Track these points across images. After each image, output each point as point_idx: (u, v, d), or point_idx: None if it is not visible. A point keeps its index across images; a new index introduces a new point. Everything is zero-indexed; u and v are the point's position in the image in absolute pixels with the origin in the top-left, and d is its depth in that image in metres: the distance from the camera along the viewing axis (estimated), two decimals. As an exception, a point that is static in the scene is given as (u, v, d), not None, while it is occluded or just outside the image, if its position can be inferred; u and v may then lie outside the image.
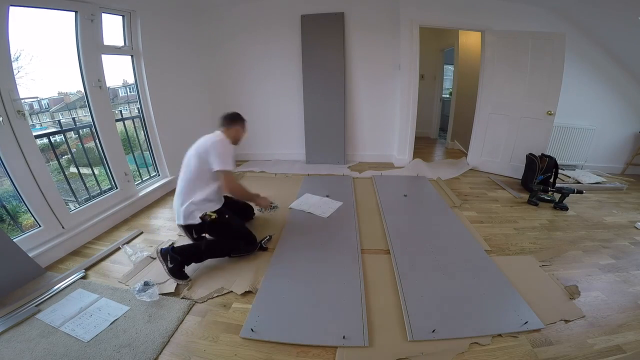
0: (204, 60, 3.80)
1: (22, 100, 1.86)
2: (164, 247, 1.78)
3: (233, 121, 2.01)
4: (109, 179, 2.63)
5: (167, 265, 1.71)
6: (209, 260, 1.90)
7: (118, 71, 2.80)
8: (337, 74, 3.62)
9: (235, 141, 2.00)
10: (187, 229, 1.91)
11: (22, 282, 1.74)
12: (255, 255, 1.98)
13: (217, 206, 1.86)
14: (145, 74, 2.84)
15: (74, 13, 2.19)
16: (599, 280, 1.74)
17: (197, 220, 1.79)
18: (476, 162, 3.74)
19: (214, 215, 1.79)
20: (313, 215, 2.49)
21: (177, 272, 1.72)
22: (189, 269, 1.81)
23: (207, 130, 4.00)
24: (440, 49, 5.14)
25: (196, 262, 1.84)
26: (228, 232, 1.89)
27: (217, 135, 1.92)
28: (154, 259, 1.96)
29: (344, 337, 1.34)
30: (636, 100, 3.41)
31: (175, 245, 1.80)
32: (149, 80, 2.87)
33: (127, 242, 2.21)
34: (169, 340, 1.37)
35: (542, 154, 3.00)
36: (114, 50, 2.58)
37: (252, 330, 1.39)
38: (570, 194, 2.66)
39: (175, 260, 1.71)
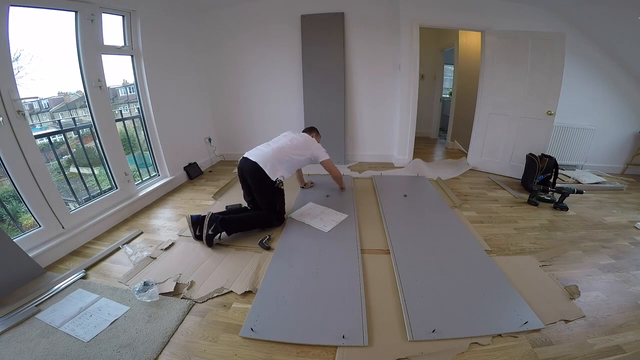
0: (204, 60, 3.81)
1: (22, 100, 1.86)
2: (214, 212, 2.07)
3: (313, 130, 2.82)
4: (109, 179, 2.63)
5: (206, 231, 1.97)
6: (209, 260, 1.93)
7: (118, 71, 2.80)
8: (337, 74, 3.63)
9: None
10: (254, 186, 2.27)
11: (22, 282, 1.74)
12: (256, 255, 1.98)
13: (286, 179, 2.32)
14: (145, 74, 2.84)
15: (74, 13, 2.19)
16: (599, 280, 1.74)
17: (274, 178, 2.18)
18: (476, 162, 3.74)
19: (282, 185, 2.28)
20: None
21: (211, 240, 2.02)
22: (188, 270, 1.81)
23: (207, 131, 4.01)
24: (440, 49, 5.14)
25: (229, 232, 2.12)
26: (279, 199, 2.31)
27: (311, 137, 2.65)
28: (154, 258, 1.97)
29: (343, 336, 1.34)
30: (636, 100, 3.40)
31: (223, 216, 2.08)
32: (149, 80, 2.88)
33: (127, 242, 2.20)
34: (169, 340, 1.37)
35: (542, 154, 3.00)
36: (114, 50, 2.58)
37: (251, 329, 1.39)
38: (570, 194, 2.66)
39: (217, 230, 2.01)
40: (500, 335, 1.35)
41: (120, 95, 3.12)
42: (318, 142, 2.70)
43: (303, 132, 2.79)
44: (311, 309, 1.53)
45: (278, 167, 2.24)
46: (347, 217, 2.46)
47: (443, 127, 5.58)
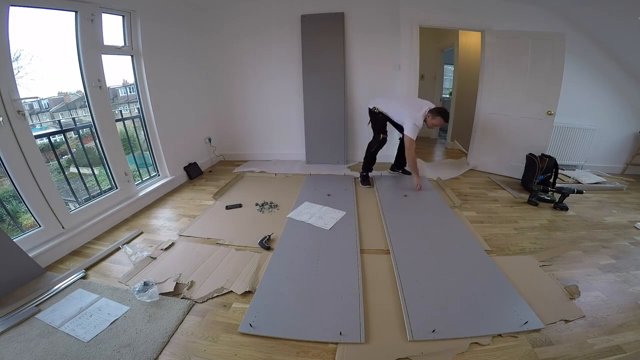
0: (204, 60, 3.81)
1: (22, 100, 1.86)
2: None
3: (435, 112, 2.76)
4: (109, 179, 2.63)
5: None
6: (209, 260, 1.94)
7: (118, 71, 2.80)
8: (337, 74, 3.62)
9: (430, 125, 2.84)
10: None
11: (22, 282, 1.74)
12: (256, 255, 1.98)
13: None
14: (145, 74, 2.84)
15: (74, 13, 2.19)
16: (599, 280, 1.74)
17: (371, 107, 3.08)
18: (476, 162, 3.74)
19: (376, 109, 3.04)
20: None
21: (364, 180, 3.17)
22: (188, 270, 1.82)
23: (207, 131, 4.01)
24: (440, 49, 5.14)
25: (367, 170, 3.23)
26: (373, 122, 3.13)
27: (419, 105, 2.84)
28: (154, 258, 1.97)
29: (340, 333, 1.35)
30: (636, 100, 3.40)
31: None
32: (149, 80, 2.88)
33: (127, 242, 2.20)
34: (169, 340, 1.37)
35: (542, 154, 3.00)
36: (114, 50, 2.58)
37: (250, 325, 1.40)
38: (570, 194, 2.66)
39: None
40: (500, 335, 1.35)
41: (120, 95, 3.12)
42: (427, 118, 2.76)
43: (431, 110, 2.79)
44: (309, 306, 1.53)
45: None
46: (346, 213, 2.48)
47: (443, 127, 5.57)
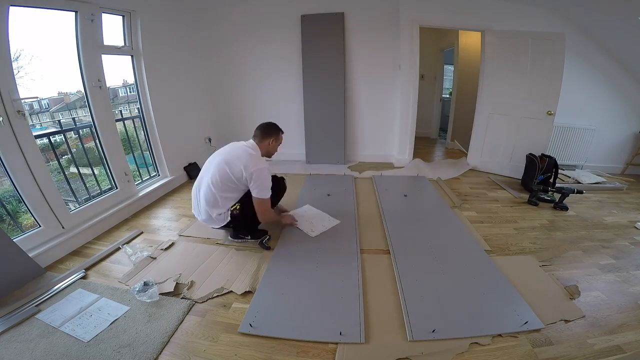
0: (204, 60, 3.80)
1: (22, 100, 1.86)
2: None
3: (267, 133, 2.01)
4: (109, 179, 2.62)
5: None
6: (209, 260, 1.94)
7: (118, 71, 2.80)
8: (337, 74, 3.62)
9: (267, 154, 2.06)
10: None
11: (22, 282, 1.74)
12: (256, 255, 1.98)
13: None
14: (145, 74, 2.84)
15: (74, 13, 2.19)
16: (599, 280, 1.74)
17: (228, 220, 1.99)
18: (476, 162, 3.74)
19: (237, 208, 1.97)
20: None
21: (235, 235, 2.10)
22: (188, 270, 1.83)
23: (206, 130, 4.00)
24: (440, 49, 5.14)
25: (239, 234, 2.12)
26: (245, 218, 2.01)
27: (252, 149, 1.94)
28: (154, 258, 1.97)
29: (340, 333, 1.35)
30: (636, 100, 3.41)
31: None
32: (149, 80, 2.87)
33: (127, 242, 2.20)
34: (169, 340, 1.37)
35: (542, 154, 3.00)
36: (114, 50, 2.58)
37: (250, 325, 1.40)
38: (570, 194, 2.66)
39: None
40: (500, 335, 1.35)
41: (120, 95, 3.13)
42: (268, 153, 2.05)
43: (254, 136, 2.02)
44: (309, 306, 1.53)
45: (223, 212, 1.95)
46: (340, 223, 2.34)
47: (443, 127, 5.58)
